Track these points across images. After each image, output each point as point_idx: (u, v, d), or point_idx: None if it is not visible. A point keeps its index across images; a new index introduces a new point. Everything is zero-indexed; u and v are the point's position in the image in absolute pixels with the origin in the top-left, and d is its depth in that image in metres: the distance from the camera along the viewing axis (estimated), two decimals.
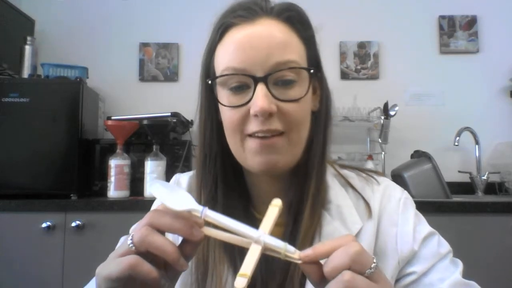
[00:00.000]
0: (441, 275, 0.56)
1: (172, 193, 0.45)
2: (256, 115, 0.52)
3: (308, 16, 0.60)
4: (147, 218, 0.44)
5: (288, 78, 0.54)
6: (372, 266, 0.39)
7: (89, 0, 2.25)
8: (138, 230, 0.43)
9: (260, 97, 0.51)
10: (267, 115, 0.52)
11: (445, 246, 0.60)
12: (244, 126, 0.54)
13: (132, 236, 0.43)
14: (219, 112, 0.59)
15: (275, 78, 0.53)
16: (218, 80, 0.56)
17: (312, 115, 0.59)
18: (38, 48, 1.95)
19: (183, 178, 0.70)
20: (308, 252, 0.40)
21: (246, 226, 0.42)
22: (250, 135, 0.54)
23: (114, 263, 0.42)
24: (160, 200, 0.44)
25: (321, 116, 0.60)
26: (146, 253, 0.42)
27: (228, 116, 0.56)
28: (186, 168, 1.78)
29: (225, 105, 0.55)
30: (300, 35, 0.57)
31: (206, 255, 0.57)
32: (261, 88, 0.52)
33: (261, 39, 0.53)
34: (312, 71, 0.56)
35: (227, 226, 0.43)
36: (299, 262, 0.40)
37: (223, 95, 0.56)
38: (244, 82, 0.54)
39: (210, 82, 0.57)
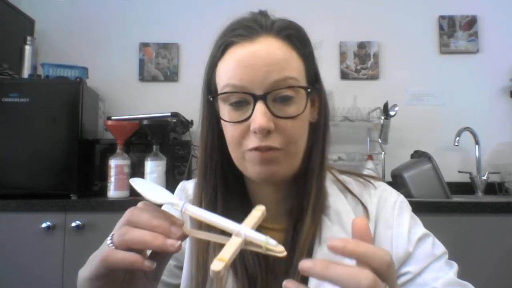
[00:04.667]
0: (435, 274, 0.57)
1: (153, 188, 0.46)
2: (255, 132, 0.54)
3: (307, 34, 0.61)
4: (125, 216, 0.44)
5: (286, 95, 0.55)
6: None
7: (89, 0, 2.25)
8: (117, 230, 0.43)
9: (259, 115, 0.53)
10: (265, 132, 0.53)
11: (440, 248, 0.61)
12: (244, 140, 0.56)
13: (111, 236, 0.43)
14: (220, 122, 0.61)
15: (273, 95, 0.55)
16: (219, 96, 0.58)
17: (310, 126, 0.61)
18: (38, 48, 1.95)
19: (190, 185, 0.71)
20: (338, 243, 0.37)
21: (227, 220, 0.42)
22: (250, 150, 0.56)
23: (91, 262, 0.43)
24: (141, 193, 0.45)
25: (320, 127, 0.62)
26: (130, 250, 0.42)
27: (229, 130, 0.57)
28: (185, 167, 1.78)
29: (226, 121, 0.57)
30: (299, 52, 0.58)
31: (206, 259, 0.58)
32: (260, 106, 0.53)
33: (260, 57, 0.54)
34: (309, 90, 0.57)
35: (208, 220, 0.42)
36: (281, 255, 0.39)
37: (224, 110, 0.58)
38: (244, 98, 0.55)
39: (211, 99, 0.59)
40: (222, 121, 0.59)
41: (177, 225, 0.42)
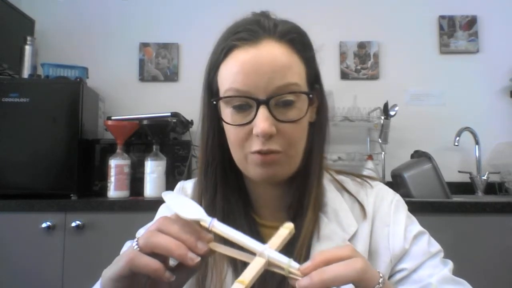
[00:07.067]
0: (430, 271, 0.59)
1: (183, 203, 0.47)
2: (258, 135, 0.55)
3: (310, 38, 0.62)
4: (156, 223, 0.45)
5: (288, 99, 0.56)
6: (380, 281, 0.40)
7: (89, 0, 2.25)
8: (144, 233, 0.44)
9: (262, 120, 0.54)
10: (268, 136, 0.54)
11: (435, 246, 0.63)
12: (246, 142, 0.57)
13: (137, 239, 0.44)
14: (220, 120, 0.61)
15: (275, 100, 0.56)
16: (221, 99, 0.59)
17: (309, 125, 0.62)
18: (38, 48, 1.95)
19: (188, 185, 0.72)
20: (308, 264, 0.41)
21: (252, 240, 0.42)
22: (253, 152, 0.57)
23: (116, 263, 0.44)
24: (171, 207, 0.46)
25: (318, 127, 0.63)
26: (153, 256, 0.43)
27: (232, 133, 0.58)
28: (185, 167, 1.78)
29: (229, 123, 0.58)
30: (301, 56, 0.59)
31: None
32: (262, 111, 0.55)
33: (264, 63, 0.55)
34: (310, 96, 0.58)
35: (233, 238, 0.43)
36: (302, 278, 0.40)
37: (227, 113, 0.58)
38: (247, 102, 0.56)
39: (214, 102, 0.59)
40: (224, 123, 0.59)
41: (204, 240, 0.44)
